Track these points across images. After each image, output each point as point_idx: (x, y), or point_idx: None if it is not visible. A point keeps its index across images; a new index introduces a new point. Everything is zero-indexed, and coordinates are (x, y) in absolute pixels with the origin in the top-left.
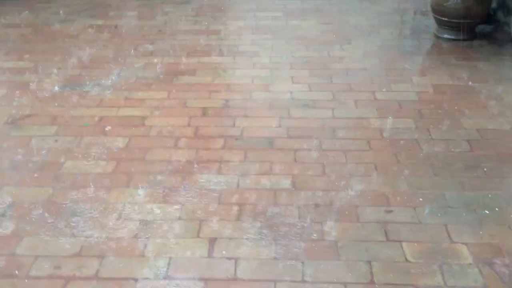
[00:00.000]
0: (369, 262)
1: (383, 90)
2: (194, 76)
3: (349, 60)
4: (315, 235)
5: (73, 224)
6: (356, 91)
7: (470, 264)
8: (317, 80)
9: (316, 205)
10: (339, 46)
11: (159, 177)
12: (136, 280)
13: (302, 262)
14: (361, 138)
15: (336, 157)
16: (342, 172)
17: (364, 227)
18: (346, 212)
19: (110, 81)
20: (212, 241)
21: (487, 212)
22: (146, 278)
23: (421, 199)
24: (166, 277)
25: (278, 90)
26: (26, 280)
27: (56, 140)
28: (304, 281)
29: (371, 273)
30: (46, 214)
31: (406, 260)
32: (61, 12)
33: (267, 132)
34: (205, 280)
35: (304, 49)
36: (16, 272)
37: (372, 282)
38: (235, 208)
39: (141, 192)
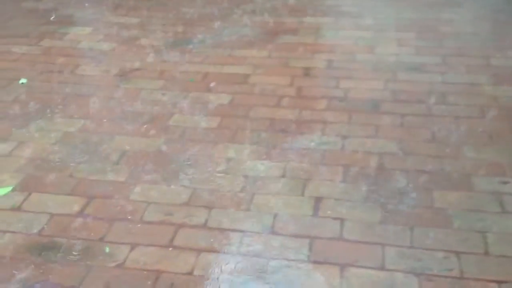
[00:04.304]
0: (483, 233)
1: (498, 55)
2: (296, 35)
3: (459, 23)
4: (424, 201)
5: (182, 175)
6: (468, 56)
7: None
8: (425, 43)
9: (425, 172)
10: (447, 8)
11: (262, 135)
12: (243, 232)
13: (411, 228)
14: (474, 104)
15: (446, 123)
16: (453, 139)
17: (477, 197)
18: (458, 181)
19: (213, 38)
20: (317, 200)
21: None
22: (253, 232)
23: None
24: (272, 232)
25: (383, 52)
26: (139, 225)
27: (163, 94)
28: (412, 247)
29: (486, 244)
30: (157, 164)
31: None
32: None
33: (372, 95)
34: (310, 238)
35: (410, 11)
36: (130, 217)
37: (486, 253)
38: (340, 169)
39: (245, 148)
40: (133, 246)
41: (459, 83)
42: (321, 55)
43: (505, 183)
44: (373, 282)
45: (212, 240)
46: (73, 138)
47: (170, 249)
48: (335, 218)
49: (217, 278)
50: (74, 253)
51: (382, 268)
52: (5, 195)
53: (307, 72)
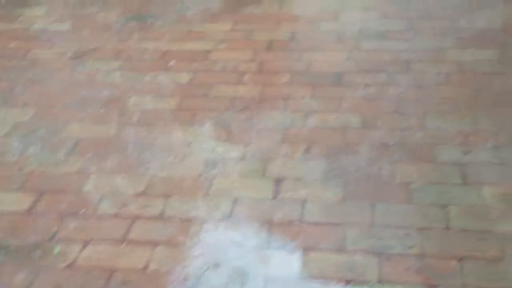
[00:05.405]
0: (444, 206)
1: (465, 18)
2: (260, 6)
3: None
4: (385, 176)
5: (138, 162)
6: (435, 19)
7: None
8: (392, 7)
9: (387, 145)
10: None
11: (223, 115)
12: (200, 220)
13: (372, 206)
14: (438, 71)
15: (410, 92)
16: (416, 109)
17: (439, 169)
18: (420, 153)
19: (175, 12)
20: (278, 181)
21: None
22: (211, 219)
23: (503, 138)
24: (231, 218)
25: (347, 20)
26: (92, 220)
27: (120, 75)
28: (374, 225)
29: (447, 218)
30: (112, 152)
31: (486, 204)
32: None
33: (335, 67)
34: (270, 222)
35: None
36: (82, 211)
37: (447, 227)
38: (302, 147)
39: (204, 130)
40: (85, 243)
41: (424, 50)
42: (285, 26)
43: (467, 152)
44: (333, 266)
45: (168, 231)
46: (24, 129)
47: (124, 244)
48: (295, 200)
49: (172, 272)
50: (23, 254)
51: (342, 250)
52: None
53: (270, 45)
